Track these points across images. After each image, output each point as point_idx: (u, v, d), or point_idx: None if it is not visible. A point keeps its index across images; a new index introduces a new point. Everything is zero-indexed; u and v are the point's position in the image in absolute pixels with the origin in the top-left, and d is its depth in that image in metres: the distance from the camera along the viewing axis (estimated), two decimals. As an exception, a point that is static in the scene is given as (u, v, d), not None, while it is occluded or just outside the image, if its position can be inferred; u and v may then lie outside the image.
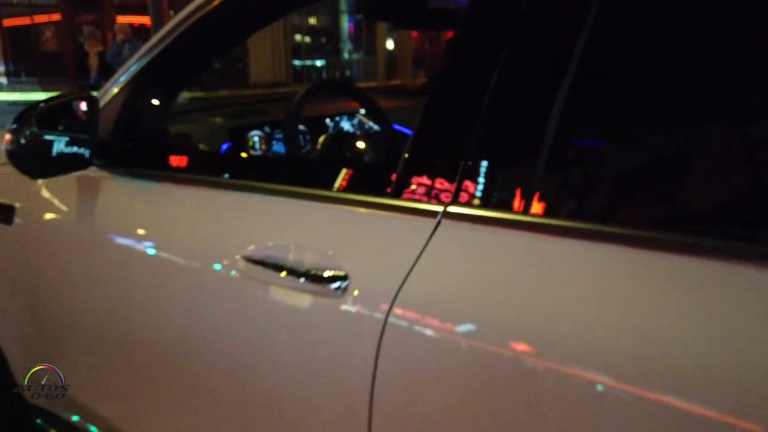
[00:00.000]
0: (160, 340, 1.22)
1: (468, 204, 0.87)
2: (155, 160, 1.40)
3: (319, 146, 1.60)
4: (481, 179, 0.86)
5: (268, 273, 1.00)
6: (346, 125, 2.04)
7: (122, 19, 10.95)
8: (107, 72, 7.11)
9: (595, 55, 0.82)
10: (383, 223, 0.94)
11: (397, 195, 0.94)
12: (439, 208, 0.88)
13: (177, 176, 1.30)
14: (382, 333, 0.88)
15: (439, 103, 0.95)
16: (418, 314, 0.86)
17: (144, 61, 1.36)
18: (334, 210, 1.01)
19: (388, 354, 0.88)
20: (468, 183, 0.88)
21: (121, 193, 1.35)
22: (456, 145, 0.90)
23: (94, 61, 9.03)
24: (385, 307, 0.88)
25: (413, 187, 0.93)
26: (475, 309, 0.81)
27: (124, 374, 1.34)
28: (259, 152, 1.80)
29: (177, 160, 1.44)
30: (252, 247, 1.04)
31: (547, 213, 0.81)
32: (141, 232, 1.24)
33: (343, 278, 0.93)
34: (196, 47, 1.39)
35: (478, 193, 0.87)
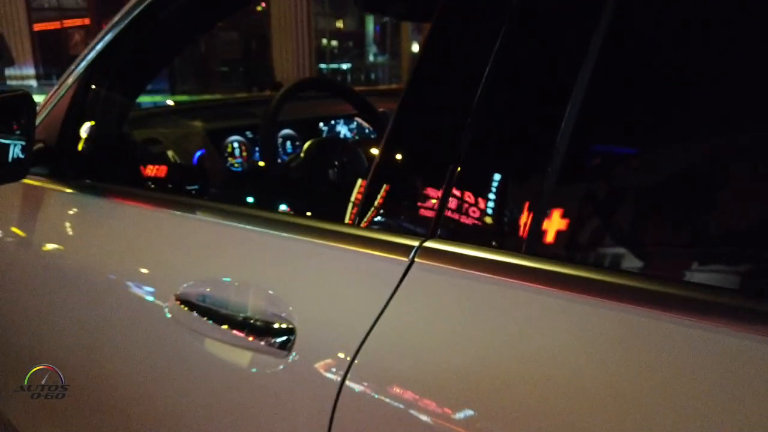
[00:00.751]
0: (91, 377, 1.02)
1: (451, 239, 0.65)
2: (104, 170, 1.20)
3: (303, 154, 1.38)
4: (470, 206, 0.64)
5: (200, 319, 0.79)
6: (343, 130, 1.83)
7: (147, 23, 10.93)
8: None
9: (615, 56, 0.60)
10: (342, 260, 0.72)
11: (360, 223, 0.72)
12: (413, 243, 0.66)
13: (125, 190, 1.09)
14: (335, 405, 0.66)
15: (417, 102, 0.72)
16: (380, 383, 0.64)
17: (96, 50, 1.17)
18: (284, 240, 0.79)
19: (343, 433, 0.66)
20: (452, 210, 0.65)
21: (58, 206, 1.16)
22: (437, 160, 0.68)
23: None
24: (339, 372, 0.66)
25: (380, 213, 0.71)
26: (452, 379, 0.59)
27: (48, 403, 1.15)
28: (238, 160, 1.59)
29: (129, 171, 1.24)
30: (186, 284, 0.83)
31: (559, 256, 0.59)
32: (71, 253, 1.04)
33: (289, 332, 0.71)
34: (158, 32, 1.18)
35: (466, 225, 0.64)
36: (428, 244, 0.65)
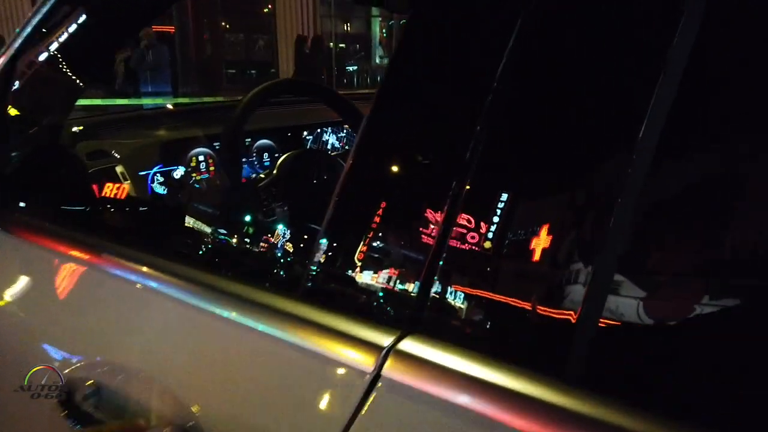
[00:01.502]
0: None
1: (439, 336, 0.40)
2: (26, 191, 0.97)
3: (275, 171, 1.13)
4: (478, 280, 0.40)
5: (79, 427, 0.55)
6: (330, 139, 1.59)
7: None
8: (132, 78, 7.00)
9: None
10: (279, 357, 0.48)
11: (312, 294, 0.48)
12: (383, 341, 0.42)
13: (33, 224, 0.86)
14: None
15: (395, 111, 0.48)
16: None
17: (20, 41, 0.94)
18: (204, 316, 0.53)
19: None
20: (445, 288, 0.41)
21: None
22: (424, 200, 0.44)
23: (120, 68, 8.79)
24: None
25: (337, 283, 0.46)
26: None
27: None
28: (204, 176, 1.34)
29: (59, 193, 1.00)
30: (73, 368, 0.59)
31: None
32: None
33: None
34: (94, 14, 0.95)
35: (465, 318, 0.40)
36: (404, 344, 0.41)
